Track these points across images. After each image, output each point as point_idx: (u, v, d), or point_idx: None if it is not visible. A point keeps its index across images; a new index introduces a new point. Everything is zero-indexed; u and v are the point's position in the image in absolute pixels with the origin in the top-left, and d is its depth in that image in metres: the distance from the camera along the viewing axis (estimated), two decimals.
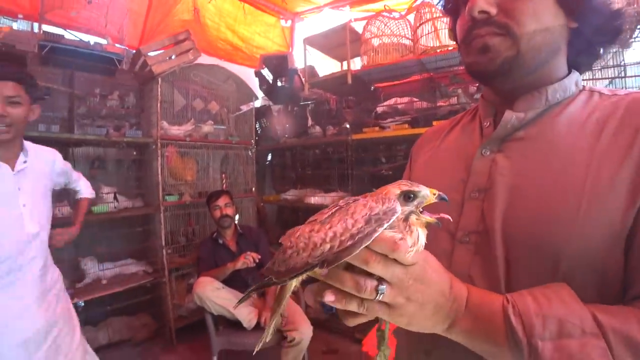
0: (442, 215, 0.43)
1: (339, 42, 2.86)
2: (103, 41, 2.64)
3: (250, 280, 2.40)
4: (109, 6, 2.68)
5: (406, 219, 0.41)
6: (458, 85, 2.51)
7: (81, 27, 2.62)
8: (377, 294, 0.38)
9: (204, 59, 3.22)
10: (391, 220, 0.38)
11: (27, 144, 1.48)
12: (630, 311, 0.40)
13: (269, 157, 3.86)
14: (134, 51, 2.87)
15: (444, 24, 2.53)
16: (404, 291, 0.39)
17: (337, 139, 2.89)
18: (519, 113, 0.54)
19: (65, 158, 1.71)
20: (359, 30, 2.83)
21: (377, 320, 0.46)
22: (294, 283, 0.45)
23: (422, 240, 0.41)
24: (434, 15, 2.53)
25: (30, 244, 1.39)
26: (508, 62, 0.51)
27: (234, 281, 2.32)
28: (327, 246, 0.38)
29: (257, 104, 3.77)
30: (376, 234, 0.37)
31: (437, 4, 2.59)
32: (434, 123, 2.33)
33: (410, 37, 2.64)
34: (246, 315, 2.16)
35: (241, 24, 3.78)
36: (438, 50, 2.43)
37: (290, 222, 3.64)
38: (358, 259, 0.38)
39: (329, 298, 0.40)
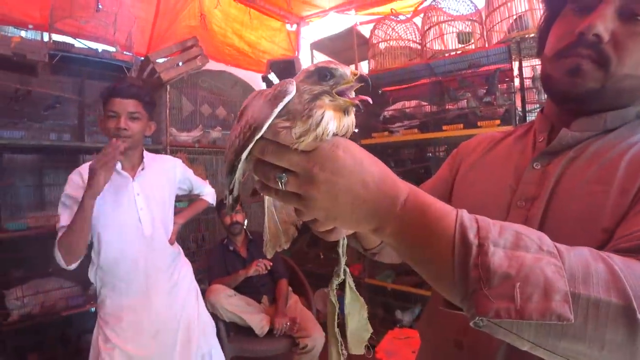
0: (362, 97, 0.39)
1: (346, 46, 2.86)
2: (112, 49, 2.65)
3: (262, 287, 2.41)
4: (117, 14, 2.69)
5: (314, 99, 0.38)
6: (467, 89, 2.50)
7: (90, 35, 2.64)
8: (278, 181, 0.37)
9: (212, 65, 3.22)
10: (282, 103, 0.36)
11: (147, 155, 1.69)
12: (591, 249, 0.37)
13: None
14: (142, 58, 2.89)
15: (451, 27, 2.53)
16: (310, 180, 0.37)
17: None
18: (575, 133, 0.54)
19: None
20: (366, 33, 2.83)
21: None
22: (268, 198, 0.49)
23: (331, 124, 0.37)
24: (441, 19, 2.53)
25: (151, 244, 1.58)
26: (589, 94, 0.52)
27: (245, 288, 2.32)
28: (237, 141, 0.40)
29: None
30: (269, 121, 0.36)
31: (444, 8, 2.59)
32: (444, 127, 2.32)
33: (418, 41, 2.64)
34: (258, 322, 2.17)
35: (247, 29, 3.78)
36: (447, 55, 2.42)
37: (302, 227, 3.63)
38: (256, 149, 0.39)
39: (257, 186, 0.42)
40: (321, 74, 0.38)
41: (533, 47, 2.22)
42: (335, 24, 3.75)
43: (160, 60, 2.85)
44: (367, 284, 2.69)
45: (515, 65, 2.29)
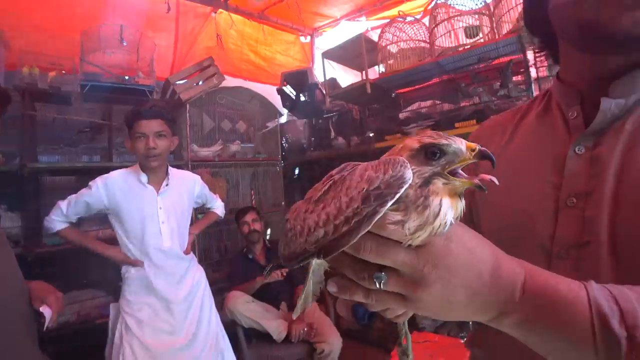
0: (483, 175, 0.31)
1: (356, 53, 2.88)
2: (135, 75, 2.86)
3: (280, 294, 2.44)
4: (140, 43, 2.91)
5: (425, 184, 0.31)
6: (480, 84, 2.43)
7: (116, 64, 2.87)
8: (376, 282, 0.31)
9: (229, 82, 3.37)
10: (398, 195, 0.29)
11: (172, 170, 1.82)
12: None
13: (297, 171, 3.92)
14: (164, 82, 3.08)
15: (459, 22, 2.48)
16: (420, 280, 0.31)
17: (360, 148, 2.89)
18: (619, 100, 0.44)
19: None
20: (376, 38, 2.84)
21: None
22: (313, 263, 0.40)
23: (449, 214, 0.31)
24: (450, 15, 2.49)
25: (169, 255, 1.71)
26: None
27: (264, 294, 2.36)
28: (321, 232, 0.31)
29: (282, 120, 3.87)
30: (378, 216, 0.29)
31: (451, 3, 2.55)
32: (456, 125, 2.27)
33: (427, 40, 2.60)
34: (276, 327, 2.19)
35: (262, 45, 3.93)
36: (454, 51, 2.37)
37: None
38: (351, 246, 0.31)
39: (331, 288, 0.35)
40: (428, 152, 0.31)
41: None
42: (347, 32, 3.79)
43: (180, 82, 3.03)
44: None
45: (530, 54, 2.20)
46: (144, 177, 1.69)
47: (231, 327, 2.16)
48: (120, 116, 2.90)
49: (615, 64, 0.45)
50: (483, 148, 0.32)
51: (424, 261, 0.31)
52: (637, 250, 0.39)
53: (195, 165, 2.89)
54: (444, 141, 0.31)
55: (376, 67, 2.87)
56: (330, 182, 0.34)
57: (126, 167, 1.82)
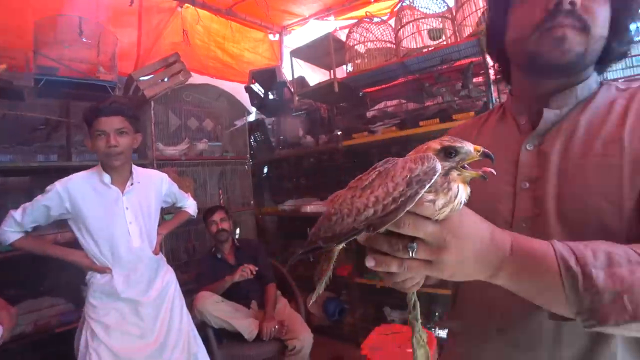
0: (485, 168, 0.43)
1: (324, 52, 2.90)
2: (96, 71, 2.73)
3: (251, 292, 2.43)
4: (100, 36, 2.78)
5: (446, 174, 0.41)
6: (443, 84, 2.53)
7: (74, 58, 2.73)
8: (409, 251, 0.40)
9: (196, 79, 3.30)
10: (433, 181, 0.39)
11: (136, 169, 1.75)
12: None
13: (266, 170, 3.91)
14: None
15: (424, 25, 2.56)
16: (443, 247, 0.41)
17: (328, 146, 2.92)
18: (556, 110, 0.61)
19: None
20: (344, 38, 2.88)
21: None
22: (340, 247, 0.47)
23: (462, 195, 0.41)
24: (415, 17, 2.57)
25: (139, 255, 1.67)
26: (577, 58, 0.57)
27: (234, 294, 2.34)
28: (371, 211, 0.39)
29: (251, 118, 3.83)
30: (419, 196, 0.38)
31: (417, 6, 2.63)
32: (421, 123, 2.35)
33: (393, 41, 2.67)
34: (247, 326, 2.18)
35: (230, 42, 3.87)
36: (420, 52, 2.45)
37: (291, 233, 3.66)
38: (393, 223, 0.39)
39: (370, 264, 0.43)
40: (447, 152, 0.42)
41: None
42: (316, 30, 3.81)
43: (145, 78, 2.93)
44: (358, 283, 2.70)
45: (488, 57, 2.32)
46: (106, 178, 1.62)
47: (201, 328, 2.13)
48: (79, 113, 2.76)
49: (551, 86, 0.62)
50: (486, 150, 0.43)
51: (446, 231, 0.41)
52: (576, 218, 0.54)
53: (161, 164, 2.81)
54: (458, 144, 0.42)
55: (344, 66, 2.92)
56: (377, 172, 0.42)
57: (86, 166, 1.74)
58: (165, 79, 2.97)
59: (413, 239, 0.41)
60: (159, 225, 1.87)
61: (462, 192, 0.41)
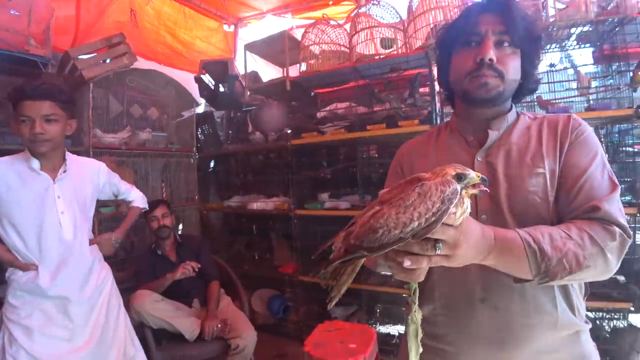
0: (482, 187, 0.59)
1: (279, 49, 2.90)
2: (26, 43, 2.46)
3: (193, 290, 2.35)
4: (32, 4, 2.50)
5: (459, 192, 0.55)
6: (391, 92, 2.65)
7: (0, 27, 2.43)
8: (436, 250, 0.55)
9: (142, 64, 3.11)
10: (457, 198, 0.53)
11: (70, 156, 1.61)
12: (577, 223, 0.69)
13: (213, 164, 3.80)
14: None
15: (379, 33, 2.66)
16: (457, 244, 0.56)
17: (277, 144, 2.92)
18: (495, 131, 0.83)
19: None
20: (299, 37, 2.89)
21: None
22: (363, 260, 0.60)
23: (468, 207, 0.57)
24: (370, 25, 2.65)
25: (71, 248, 1.53)
26: (498, 95, 0.80)
27: (175, 292, 2.26)
28: (416, 223, 0.52)
29: (200, 110, 3.70)
30: (450, 211, 0.52)
31: (373, 14, 2.72)
32: (368, 127, 2.44)
33: (347, 45, 2.74)
34: (188, 326, 2.12)
35: (182, 28, 3.70)
36: (372, 58, 2.54)
37: (237, 229, 3.60)
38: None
39: (407, 263, 0.55)
40: (459, 176, 0.56)
41: None
42: (273, 26, 3.78)
43: (83, 57, 2.70)
44: (301, 281, 2.74)
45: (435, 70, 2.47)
46: (35, 163, 1.47)
47: (139, 329, 2.03)
48: (3, 89, 2.47)
49: (490, 113, 0.85)
50: (483, 175, 0.59)
51: (460, 233, 0.56)
52: (521, 210, 0.76)
53: (98, 152, 2.62)
54: (466, 172, 0.57)
55: (298, 65, 2.94)
56: (417, 193, 0.54)
57: (9, 150, 1.56)
58: (108, 61, 2.76)
59: (436, 240, 0.55)
60: (115, 230, 1.79)
61: (468, 205, 0.57)
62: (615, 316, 2.26)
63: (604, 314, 2.30)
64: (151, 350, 2.09)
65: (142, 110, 3.12)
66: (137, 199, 1.92)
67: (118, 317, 1.68)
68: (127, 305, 2.02)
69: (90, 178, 1.68)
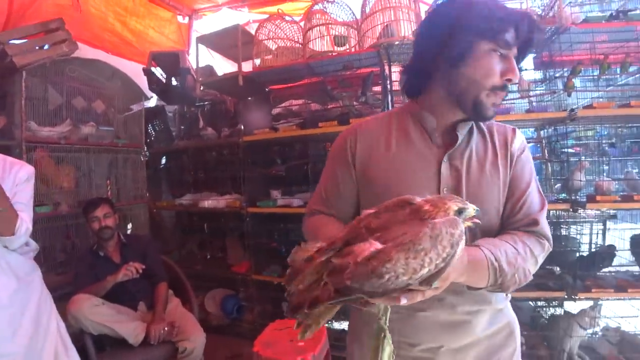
0: (475, 220, 0.61)
1: (232, 43, 2.82)
2: None
3: (138, 293, 2.25)
4: None
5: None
6: (344, 89, 2.66)
7: None
8: (431, 285, 0.54)
9: (86, 52, 2.91)
10: (463, 239, 0.53)
11: None
12: (520, 236, 0.79)
13: (164, 161, 3.65)
14: None
15: (333, 30, 2.66)
16: (447, 276, 0.58)
17: (229, 140, 2.85)
18: (461, 135, 0.84)
19: None
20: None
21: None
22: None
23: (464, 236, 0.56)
24: (325, 21, 2.65)
25: None
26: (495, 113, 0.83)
27: (119, 295, 2.15)
28: (426, 270, 0.50)
29: (152, 103, 3.54)
30: (457, 254, 0.52)
31: (329, 12, 2.72)
32: (320, 124, 2.44)
33: (300, 42, 2.72)
34: (132, 330, 2.02)
35: (132, 16, 3.50)
36: (325, 55, 2.54)
37: (189, 228, 3.48)
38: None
39: (404, 301, 0.54)
40: (460, 211, 0.56)
41: (400, 54, 2.46)
42: (229, 19, 3.68)
43: (15, 42, 2.48)
44: (255, 279, 2.71)
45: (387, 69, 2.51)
46: None
47: (80, 336, 1.91)
48: None
49: (460, 115, 0.84)
50: (477, 208, 0.60)
51: (450, 268, 0.55)
52: (479, 217, 0.74)
53: (32, 147, 2.42)
54: (466, 206, 0.57)
55: (254, 60, 2.88)
56: (428, 237, 0.51)
57: None
58: (45, 47, 2.56)
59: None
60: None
61: (464, 236, 0.56)
62: (553, 304, 2.43)
63: (543, 303, 2.47)
64: (91, 358, 1.98)
65: (86, 103, 2.93)
66: (21, 224, 1.43)
67: (49, 325, 1.56)
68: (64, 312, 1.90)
69: (11, 178, 1.49)
